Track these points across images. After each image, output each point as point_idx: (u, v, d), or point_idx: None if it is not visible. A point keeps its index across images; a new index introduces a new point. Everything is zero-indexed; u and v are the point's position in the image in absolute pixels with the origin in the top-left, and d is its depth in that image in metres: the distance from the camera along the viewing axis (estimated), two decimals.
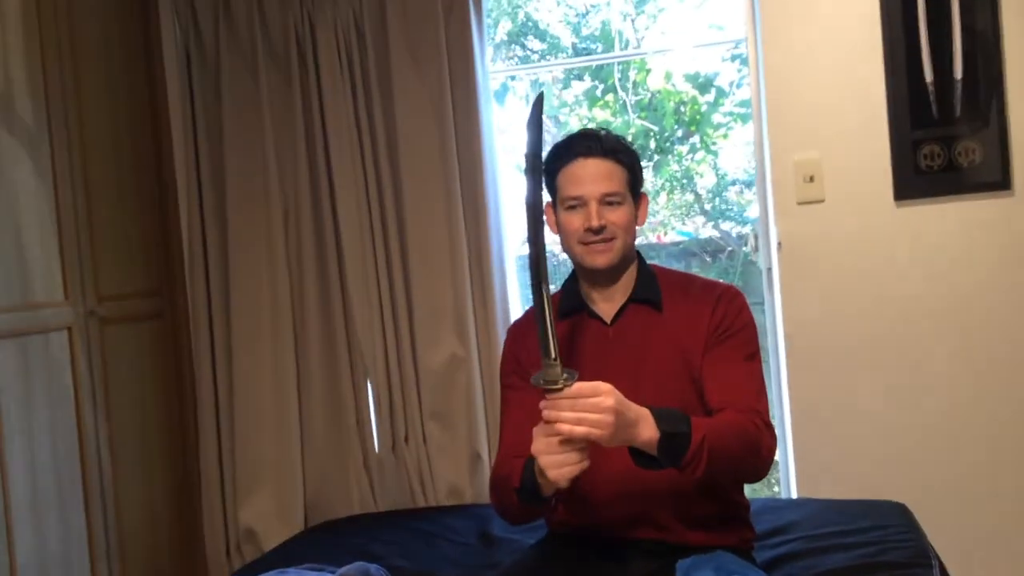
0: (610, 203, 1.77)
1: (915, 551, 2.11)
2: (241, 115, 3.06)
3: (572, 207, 1.78)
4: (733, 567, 1.66)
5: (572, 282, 1.90)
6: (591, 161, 1.77)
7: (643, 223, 1.89)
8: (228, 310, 3.07)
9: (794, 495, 2.88)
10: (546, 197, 1.84)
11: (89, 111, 2.78)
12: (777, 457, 3.28)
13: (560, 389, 1.48)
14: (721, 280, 1.96)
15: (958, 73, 2.62)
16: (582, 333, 1.84)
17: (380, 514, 2.97)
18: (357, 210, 2.99)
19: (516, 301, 3.02)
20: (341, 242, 3.00)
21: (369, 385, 3.04)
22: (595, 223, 1.75)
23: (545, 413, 1.48)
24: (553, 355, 1.50)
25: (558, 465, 1.49)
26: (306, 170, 3.02)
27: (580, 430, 1.45)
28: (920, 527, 2.31)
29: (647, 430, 1.51)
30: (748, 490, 1.98)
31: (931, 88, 2.65)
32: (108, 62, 2.92)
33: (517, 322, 2.00)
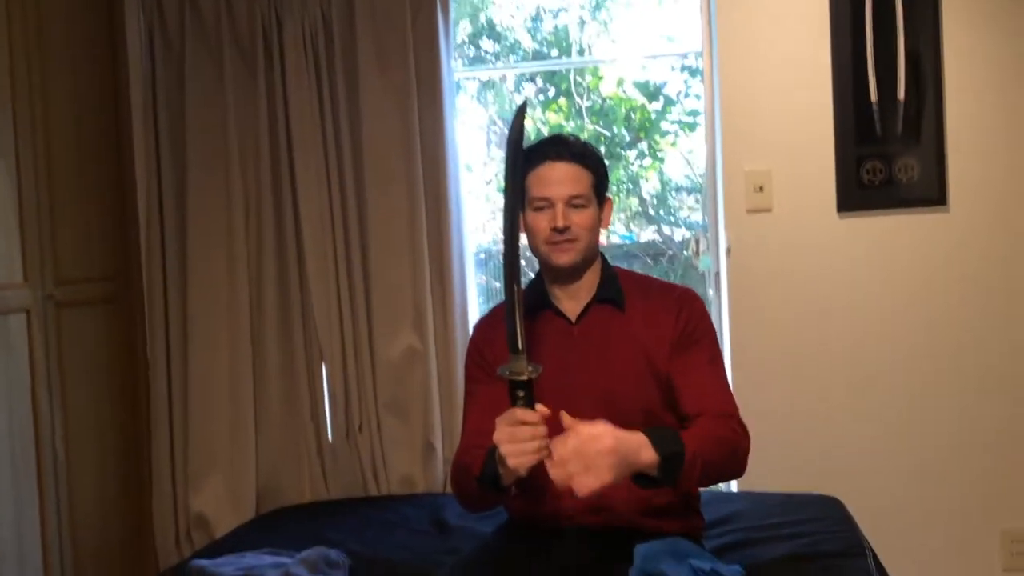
0: (575, 205, 1.84)
1: (849, 542, 2.23)
2: (204, 106, 3.06)
3: (539, 208, 1.84)
4: (689, 552, 1.75)
5: (538, 281, 1.96)
6: (559, 165, 1.84)
7: (607, 226, 1.96)
8: (185, 297, 3.07)
9: (735, 489, 3.00)
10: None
11: (52, 96, 2.76)
12: None
13: (526, 380, 1.56)
14: (680, 284, 2.05)
15: (901, 94, 2.77)
16: (547, 330, 1.91)
17: (333, 501, 3.01)
18: (318, 203, 3.02)
19: (475, 297, 3.08)
20: (302, 234, 3.02)
21: (325, 374, 3.07)
22: (560, 223, 1.82)
23: (553, 470, 1.54)
24: (520, 347, 1.59)
25: (518, 454, 1.55)
26: (268, 162, 3.04)
27: (592, 482, 1.52)
28: (853, 519, 2.44)
29: (647, 454, 1.58)
30: None
31: (875, 107, 2.80)
32: (72, 48, 2.90)
33: (483, 319, 2.05)
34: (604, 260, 1.97)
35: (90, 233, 2.95)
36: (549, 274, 1.93)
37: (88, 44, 2.99)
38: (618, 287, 1.92)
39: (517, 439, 1.55)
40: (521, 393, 1.57)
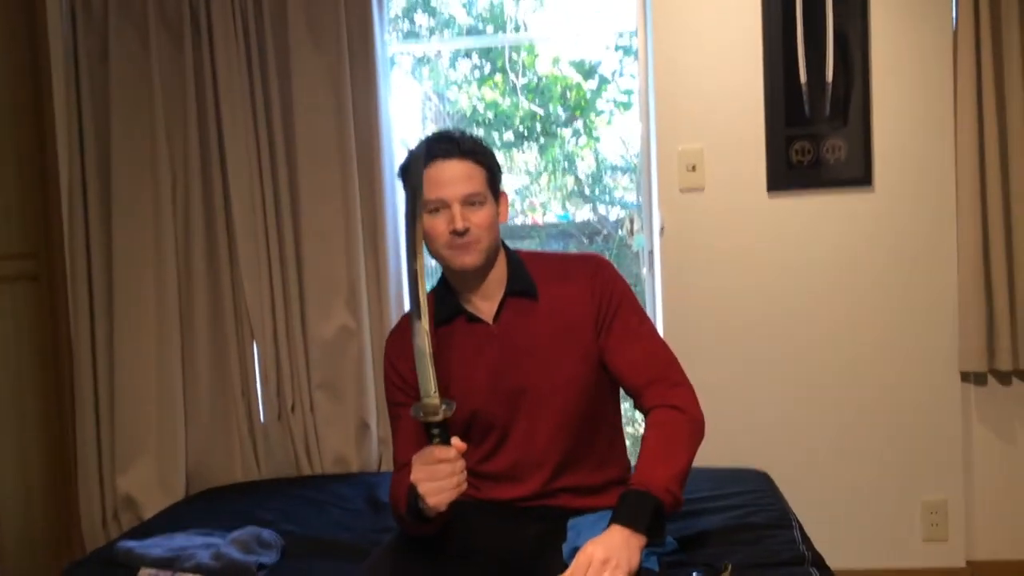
0: (472, 204, 1.76)
1: (777, 514, 2.29)
2: (129, 79, 2.98)
3: (434, 210, 1.75)
4: None
5: (444, 287, 1.89)
6: (450, 163, 1.76)
7: (505, 220, 1.88)
8: (110, 274, 3.00)
9: None
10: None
11: None
12: None
13: (441, 421, 1.53)
14: (581, 252, 1.98)
15: (829, 76, 2.83)
16: (465, 338, 1.84)
17: (265, 481, 2.97)
18: (249, 179, 2.97)
19: None
20: (231, 210, 2.97)
21: (256, 354, 3.03)
22: (459, 225, 1.73)
23: None
24: (433, 390, 1.54)
25: (437, 492, 1.54)
26: (196, 138, 2.97)
27: None
28: (780, 492, 2.50)
29: (635, 542, 1.58)
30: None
31: (805, 89, 2.85)
32: None
33: (393, 333, 1.95)
34: (507, 249, 1.91)
35: (8, 208, 2.86)
36: (455, 278, 1.86)
37: (4, 11, 2.88)
38: (527, 276, 1.87)
39: (436, 477, 1.53)
40: (436, 431, 1.54)
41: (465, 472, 1.56)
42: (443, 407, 1.53)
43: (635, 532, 1.58)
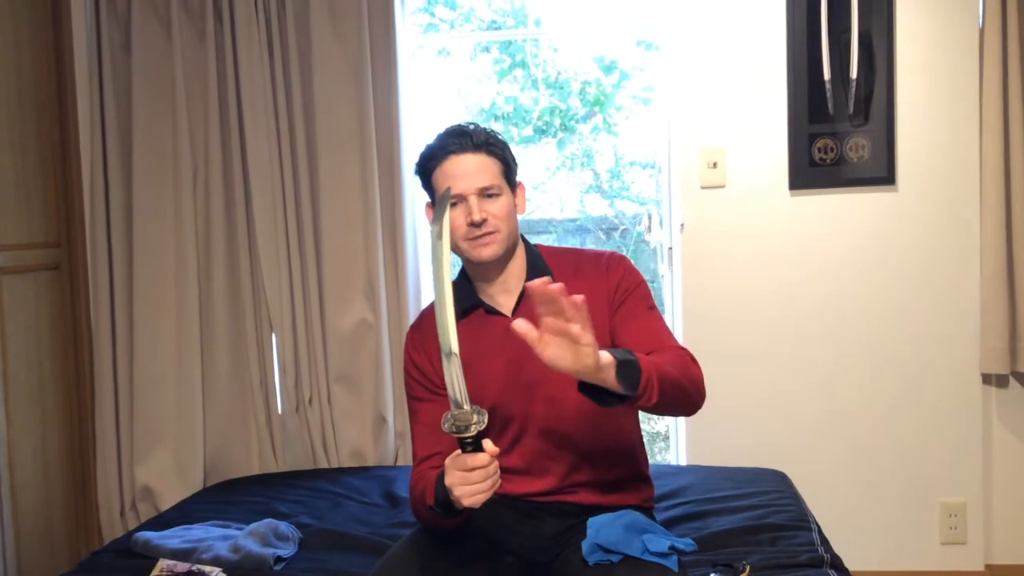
0: (488, 196, 1.77)
1: (795, 515, 2.28)
2: (151, 68, 2.99)
3: (452, 204, 1.76)
4: (641, 524, 1.77)
5: (464, 280, 1.89)
6: (464, 157, 1.77)
7: (523, 211, 1.89)
8: (130, 264, 3.01)
9: (684, 462, 3.04)
10: (425, 199, 1.86)
11: None
12: (667, 428, 3.45)
13: (474, 436, 1.49)
14: (599, 249, 2.00)
15: (853, 73, 2.81)
16: (484, 331, 1.84)
17: (282, 474, 2.98)
18: (269, 171, 2.97)
19: (429, 269, 3.04)
20: (251, 202, 2.97)
21: (275, 346, 3.04)
22: (476, 217, 1.74)
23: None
24: (465, 406, 1.49)
25: (471, 495, 1.52)
26: (217, 127, 2.98)
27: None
28: (799, 493, 2.49)
29: (609, 358, 1.50)
30: None
31: (828, 86, 2.83)
32: (11, 8, 2.80)
33: (413, 327, 1.94)
34: (526, 242, 1.91)
35: (31, 198, 2.87)
36: (474, 270, 1.86)
37: (28, 4, 2.89)
38: (546, 268, 1.87)
39: (470, 482, 1.52)
40: (469, 440, 1.51)
41: (499, 473, 1.54)
42: (475, 417, 1.49)
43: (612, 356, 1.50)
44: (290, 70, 2.95)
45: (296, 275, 2.99)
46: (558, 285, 1.42)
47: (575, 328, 1.42)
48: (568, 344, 1.44)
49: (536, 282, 1.43)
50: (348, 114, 2.95)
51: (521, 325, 1.44)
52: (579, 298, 1.43)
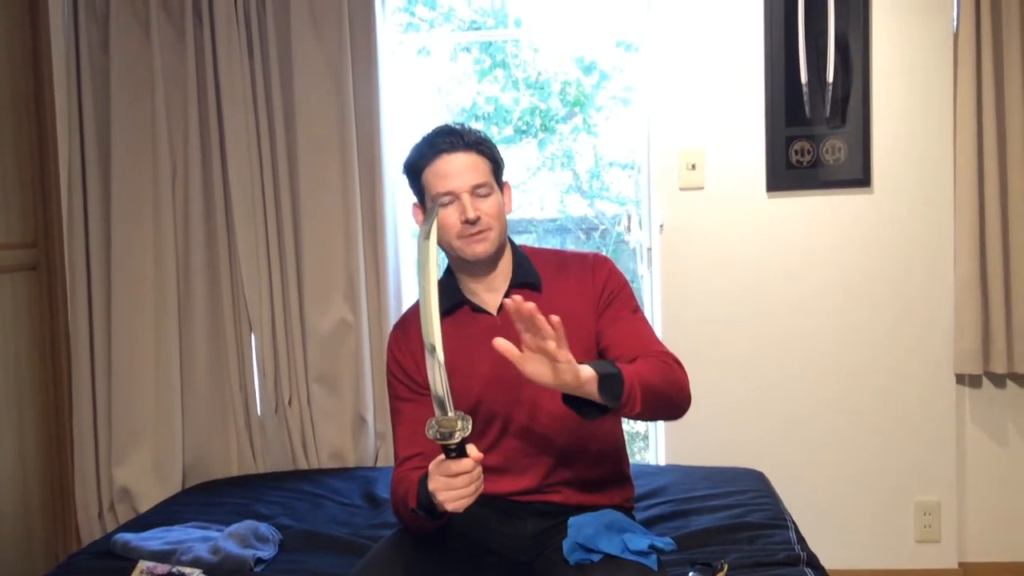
0: (480, 194, 1.79)
1: (773, 514, 2.31)
2: (130, 67, 2.97)
3: (443, 204, 1.79)
4: (621, 524, 1.78)
5: (449, 278, 1.90)
6: (456, 155, 1.79)
7: (511, 211, 1.91)
8: (108, 264, 3.00)
9: (663, 463, 3.06)
10: (409, 198, 1.87)
11: None
12: (646, 428, 3.47)
13: (459, 442, 1.49)
14: (583, 249, 2.03)
15: (830, 77, 2.84)
16: (469, 328, 1.86)
17: (262, 475, 2.97)
18: (249, 170, 2.96)
19: (410, 269, 3.05)
20: (231, 202, 2.97)
21: (254, 346, 3.03)
22: (471, 215, 1.76)
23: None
24: (449, 412, 1.50)
25: (455, 500, 1.53)
26: (196, 127, 2.97)
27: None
28: (776, 492, 2.52)
29: (590, 372, 1.54)
30: None
31: (805, 89, 2.86)
32: None
33: (399, 328, 1.94)
34: (511, 242, 1.93)
35: (8, 198, 2.85)
36: (463, 268, 1.88)
37: (5, 2, 2.87)
38: (532, 268, 1.89)
39: (454, 487, 1.53)
40: (453, 445, 1.51)
41: (482, 477, 1.55)
42: (459, 424, 1.49)
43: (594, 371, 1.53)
44: (270, 69, 2.94)
45: (276, 275, 2.98)
46: (531, 305, 1.46)
47: (551, 346, 1.47)
48: (547, 361, 1.48)
49: (511, 300, 1.47)
50: (328, 113, 2.94)
51: (501, 343, 1.48)
52: (555, 318, 1.48)
